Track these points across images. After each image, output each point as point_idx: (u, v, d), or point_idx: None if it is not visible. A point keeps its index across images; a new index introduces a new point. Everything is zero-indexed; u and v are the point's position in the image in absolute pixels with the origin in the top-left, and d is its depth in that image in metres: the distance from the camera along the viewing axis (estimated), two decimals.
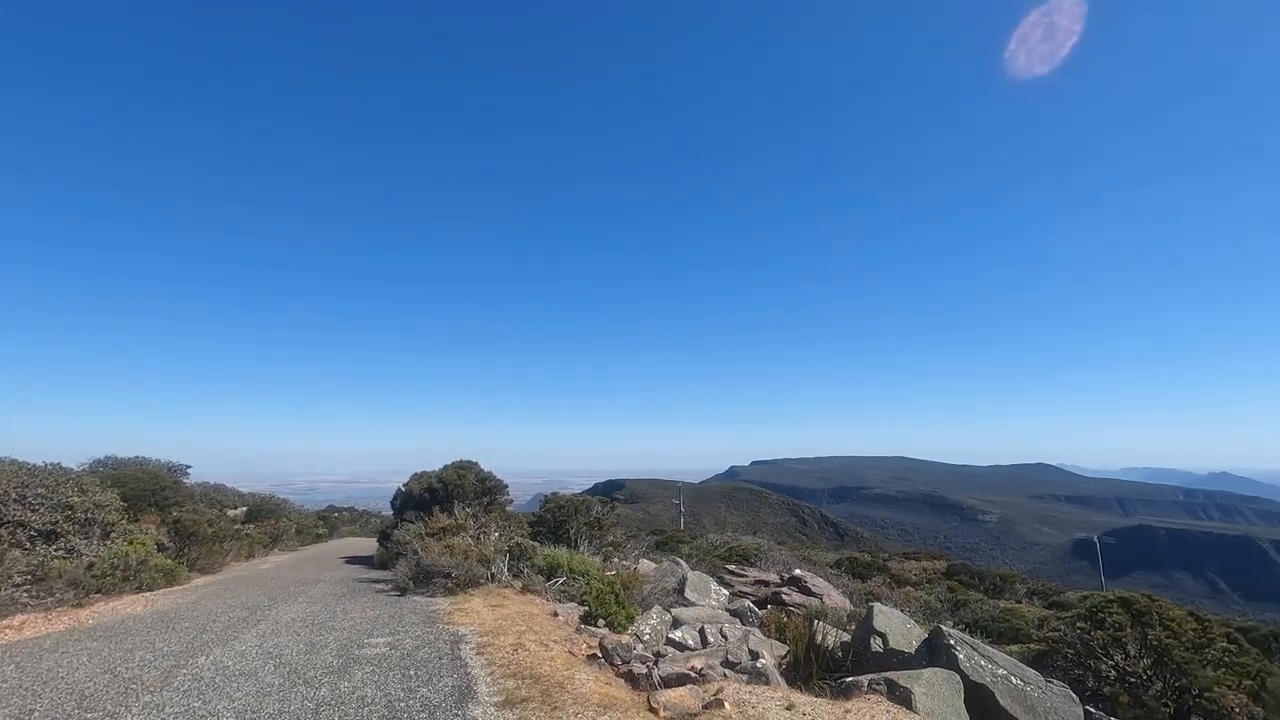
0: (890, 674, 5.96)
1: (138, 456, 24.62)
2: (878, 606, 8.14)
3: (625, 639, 7.78)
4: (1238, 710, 8.61)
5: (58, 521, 12.49)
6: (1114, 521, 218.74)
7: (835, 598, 14.36)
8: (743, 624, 9.62)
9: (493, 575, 12.31)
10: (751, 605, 11.22)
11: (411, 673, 6.65)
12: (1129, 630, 9.82)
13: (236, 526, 24.10)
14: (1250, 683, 9.49)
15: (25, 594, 10.33)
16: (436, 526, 16.11)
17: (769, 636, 9.08)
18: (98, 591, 11.50)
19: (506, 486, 21.22)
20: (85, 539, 12.94)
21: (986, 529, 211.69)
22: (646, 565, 15.25)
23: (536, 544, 14.62)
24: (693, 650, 7.92)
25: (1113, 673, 9.70)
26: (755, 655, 7.50)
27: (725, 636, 8.51)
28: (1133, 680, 9.47)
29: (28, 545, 11.80)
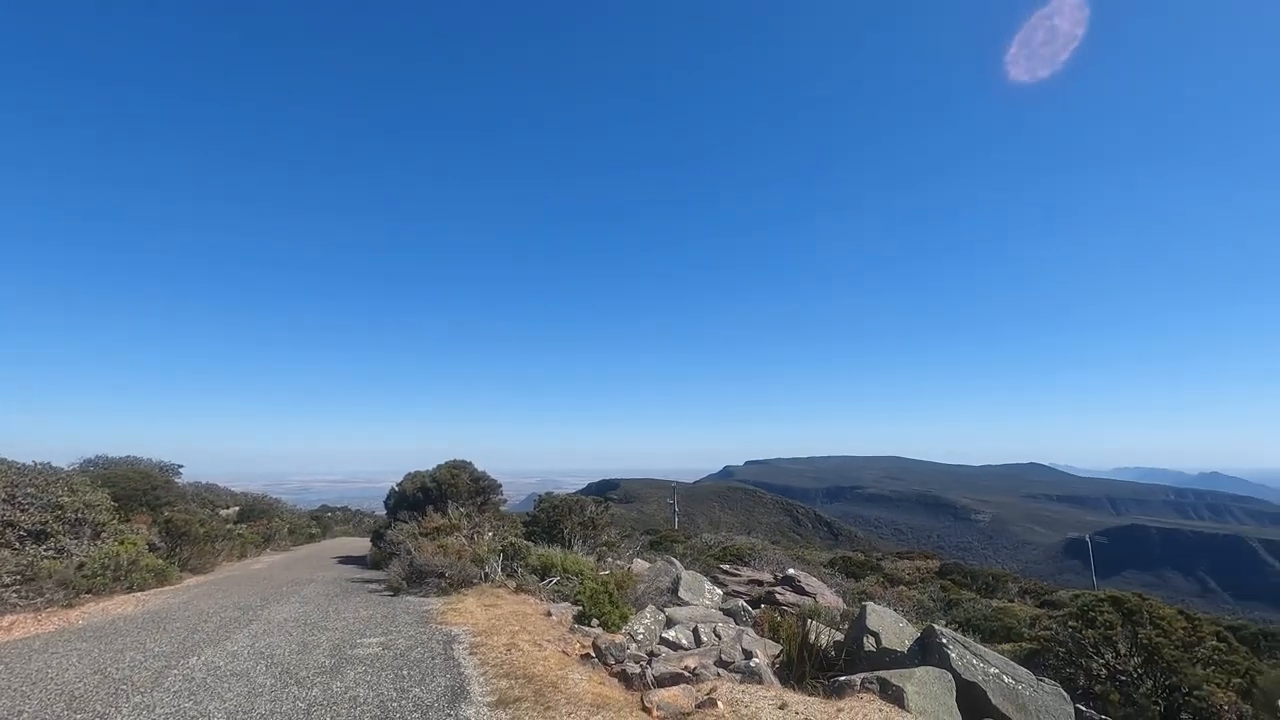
0: (883, 673, 5.98)
1: (129, 456, 24.44)
2: (871, 606, 8.16)
3: (619, 639, 7.78)
4: (1227, 708, 8.66)
5: (47, 521, 12.39)
6: (1106, 521, 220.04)
7: (829, 597, 14.39)
8: (736, 623, 9.64)
9: (486, 575, 12.29)
10: (745, 605, 11.24)
11: (404, 673, 6.64)
12: (1120, 629, 9.87)
13: (229, 526, 23.95)
14: (1239, 681, 9.56)
15: (14, 594, 10.25)
16: (430, 526, 16.06)
17: (762, 636, 9.09)
18: (88, 592, 11.42)
19: (500, 486, 21.18)
20: (75, 539, 12.84)
21: (979, 528, 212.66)
22: (640, 565, 15.25)
23: (530, 544, 14.60)
24: (686, 650, 7.92)
25: (1104, 671, 9.75)
26: (749, 654, 7.51)
27: (719, 636, 8.52)
28: (1123, 679, 9.53)
29: (17, 545, 11.70)
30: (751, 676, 6.50)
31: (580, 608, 9.49)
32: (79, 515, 13.10)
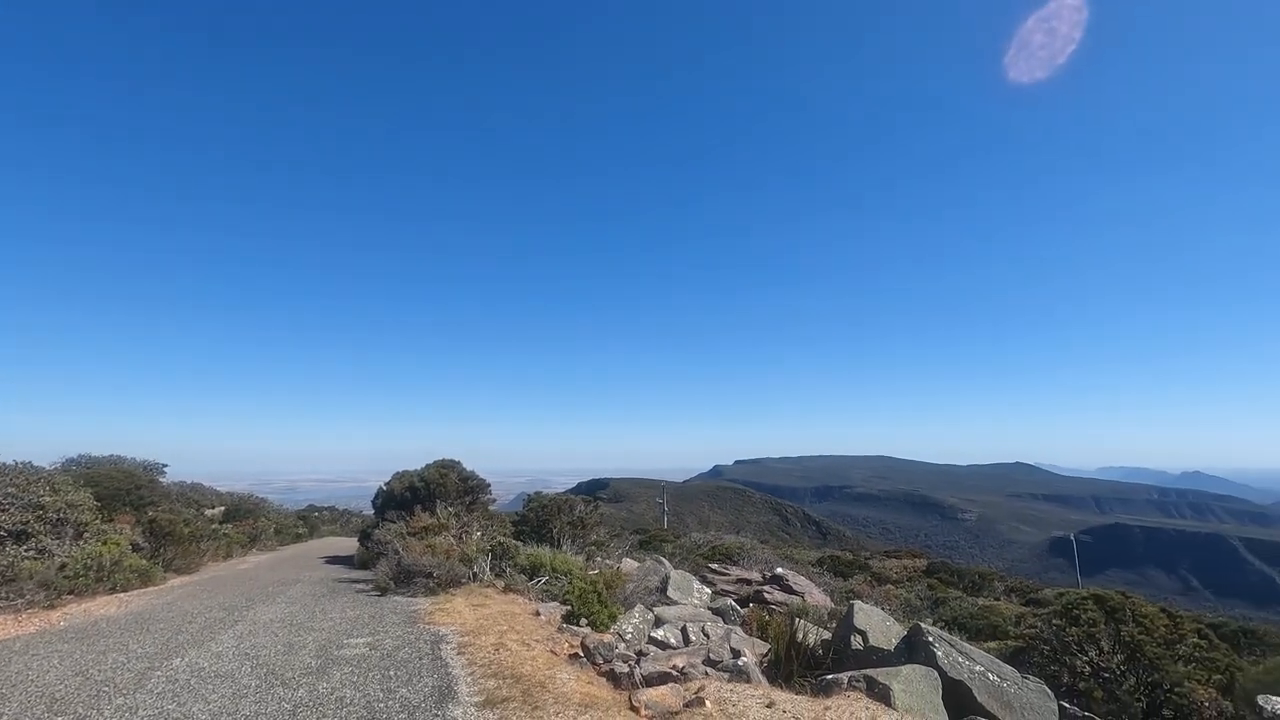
0: (870, 671, 6.02)
1: (113, 455, 24.15)
2: (858, 604, 8.20)
3: (607, 638, 7.78)
4: (1207, 704, 8.79)
5: (28, 521, 12.23)
6: (1090, 520, 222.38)
7: (817, 596, 14.46)
8: (725, 622, 9.66)
9: (475, 575, 12.25)
10: (734, 604, 11.27)
11: (391, 673, 6.60)
12: (1103, 627, 9.99)
13: (214, 526, 23.72)
14: (1220, 677, 9.69)
15: None
16: (418, 526, 15.99)
17: (751, 635, 9.12)
18: (70, 593, 11.27)
19: (489, 485, 21.12)
20: (57, 539, 12.68)
21: (966, 527, 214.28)
22: (629, 564, 15.25)
23: (519, 543, 14.57)
24: (675, 649, 7.93)
25: (1087, 668, 9.85)
26: (737, 653, 7.53)
27: (707, 635, 8.54)
28: (1106, 676, 9.64)
29: None
30: (740, 675, 6.52)
31: (569, 607, 9.48)
32: (61, 515, 12.94)
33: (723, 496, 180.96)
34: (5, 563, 10.85)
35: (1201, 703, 8.80)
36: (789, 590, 14.45)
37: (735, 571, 16.85)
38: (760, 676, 6.63)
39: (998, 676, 6.67)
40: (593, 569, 13.50)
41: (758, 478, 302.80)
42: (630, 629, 8.47)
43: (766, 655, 7.86)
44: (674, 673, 6.42)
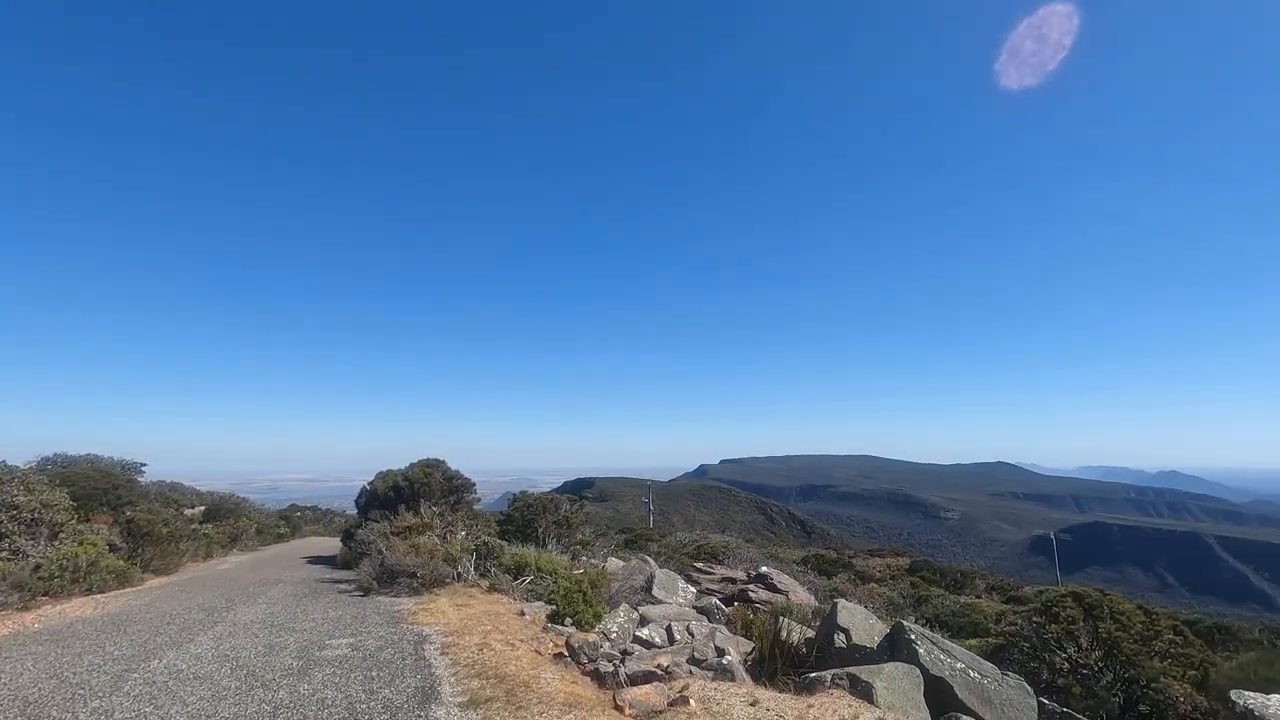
0: (853, 669, 6.06)
1: (89, 454, 23.80)
2: (842, 603, 8.26)
3: (592, 637, 7.77)
4: (1182, 699, 8.93)
5: (2, 521, 12.00)
6: (1070, 518, 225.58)
7: (801, 594, 14.53)
8: (710, 621, 9.69)
9: (459, 575, 12.19)
10: (718, 602, 11.30)
11: (373, 674, 6.55)
12: (1081, 624, 10.13)
13: (194, 526, 23.42)
14: (1194, 673, 9.87)
15: None
16: (402, 525, 15.87)
17: (735, 633, 9.15)
18: (45, 594, 11.08)
19: (474, 485, 21.02)
20: (32, 539, 12.46)
21: (949, 526, 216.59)
22: (615, 563, 15.24)
23: (504, 543, 14.52)
24: (660, 648, 7.94)
25: (1066, 665, 9.99)
26: (721, 652, 7.56)
27: (692, 634, 8.55)
28: (1085, 672, 9.78)
29: None
30: (724, 674, 6.54)
31: (554, 607, 9.46)
32: (35, 515, 12.72)
33: (708, 496, 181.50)
34: None
35: (1176, 698, 8.95)
36: (773, 589, 14.51)
37: (720, 570, 16.91)
38: (744, 675, 6.66)
39: (978, 673, 6.74)
40: (578, 568, 13.48)
41: (743, 477, 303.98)
42: (615, 628, 8.47)
43: (751, 654, 7.89)
44: (659, 672, 6.42)
